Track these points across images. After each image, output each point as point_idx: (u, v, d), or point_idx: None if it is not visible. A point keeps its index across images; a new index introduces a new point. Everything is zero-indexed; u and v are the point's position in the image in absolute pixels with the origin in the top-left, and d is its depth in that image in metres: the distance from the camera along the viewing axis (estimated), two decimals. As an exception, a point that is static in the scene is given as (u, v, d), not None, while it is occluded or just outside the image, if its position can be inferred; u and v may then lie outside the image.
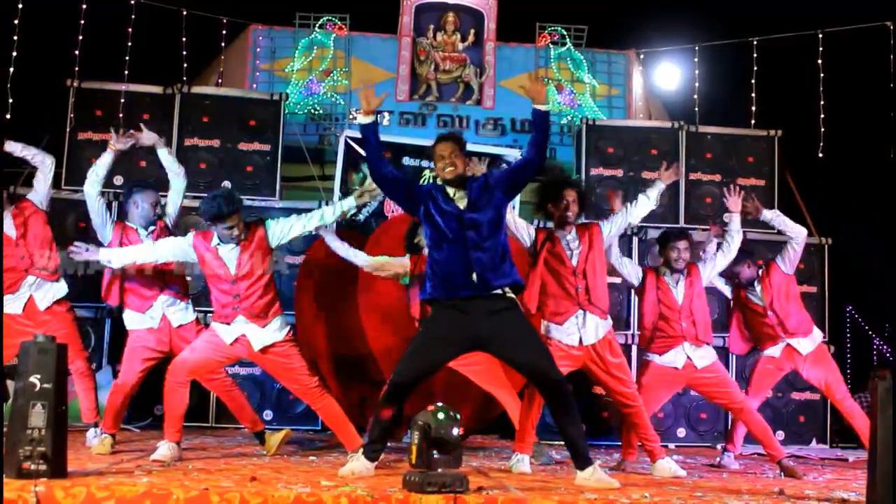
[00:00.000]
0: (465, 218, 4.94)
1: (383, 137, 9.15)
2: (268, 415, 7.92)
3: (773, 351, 6.76)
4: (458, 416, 4.37)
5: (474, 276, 4.88)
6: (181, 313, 6.18)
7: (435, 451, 4.25)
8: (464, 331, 4.92)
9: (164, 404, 5.80)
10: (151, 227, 6.18)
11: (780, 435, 8.09)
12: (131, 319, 6.14)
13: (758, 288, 6.81)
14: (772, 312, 6.73)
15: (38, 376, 4.25)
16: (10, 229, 6.19)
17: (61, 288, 6.32)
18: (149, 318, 6.09)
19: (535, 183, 5.88)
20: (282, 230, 5.64)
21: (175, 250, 5.70)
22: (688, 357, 6.20)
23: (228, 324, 5.58)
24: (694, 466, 6.43)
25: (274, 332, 5.62)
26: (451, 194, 5.05)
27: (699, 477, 5.78)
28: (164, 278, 6.11)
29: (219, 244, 5.57)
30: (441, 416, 4.34)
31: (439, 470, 4.22)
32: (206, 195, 5.65)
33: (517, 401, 6.34)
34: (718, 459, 6.68)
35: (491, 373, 6.25)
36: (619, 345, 6.00)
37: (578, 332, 5.73)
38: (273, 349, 5.63)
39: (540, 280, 5.79)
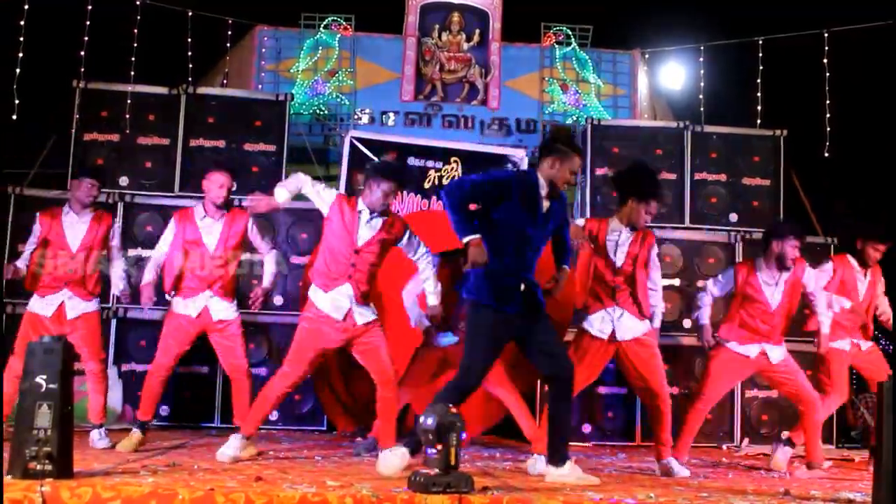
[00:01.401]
0: (531, 234, 4.99)
1: (388, 137, 9.23)
2: (273, 415, 7.91)
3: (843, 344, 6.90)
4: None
5: (524, 291, 4.99)
6: (224, 311, 6.29)
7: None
8: (509, 330, 5.04)
9: (259, 402, 5.81)
10: (223, 212, 6.32)
11: (786, 434, 8.07)
12: (175, 303, 6.30)
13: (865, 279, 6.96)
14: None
15: (44, 377, 4.27)
16: (77, 235, 6.39)
17: (92, 305, 6.44)
18: (191, 305, 6.23)
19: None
20: (410, 246, 5.80)
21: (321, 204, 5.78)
22: (762, 350, 6.30)
23: (328, 291, 5.63)
24: (699, 466, 6.42)
25: (371, 313, 5.73)
26: (544, 194, 5.03)
27: (704, 477, 5.78)
28: (212, 279, 6.24)
29: (361, 212, 5.68)
30: (453, 410, 4.39)
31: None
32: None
33: (522, 403, 6.37)
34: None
35: (496, 375, 6.27)
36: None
37: (612, 325, 5.82)
38: (368, 330, 5.69)
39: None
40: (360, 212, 5.68)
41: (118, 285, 6.55)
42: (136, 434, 6.16)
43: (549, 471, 5.02)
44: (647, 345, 5.87)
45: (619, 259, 5.85)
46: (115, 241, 6.56)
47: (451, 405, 4.64)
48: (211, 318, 6.24)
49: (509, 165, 8.92)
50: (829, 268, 6.98)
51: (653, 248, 6.00)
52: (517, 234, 4.95)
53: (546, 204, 5.04)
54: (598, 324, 5.83)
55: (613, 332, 5.82)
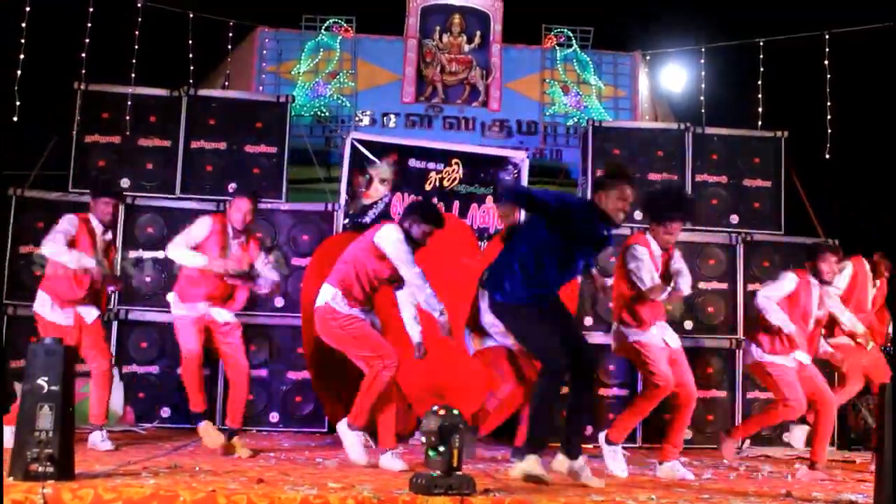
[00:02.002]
0: (589, 262, 5.35)
1: (388, 139, 9.25)
2: (274, 416, 7.93)
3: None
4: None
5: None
6: (226, 315, 6.39)
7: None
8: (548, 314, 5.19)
9: (367, 396, 5.87)
10: (241, 238, 6.38)
11: (788, 437, 8.09)
12: (177, 307, 6.34)
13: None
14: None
15: (46, 378, 4.27)
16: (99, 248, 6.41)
17: (98, 310, 6.48)
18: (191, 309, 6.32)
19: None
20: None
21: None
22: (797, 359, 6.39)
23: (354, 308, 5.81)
24: (700, 468, 6.41)
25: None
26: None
27: (706, 479, 5.77)
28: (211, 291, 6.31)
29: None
30: (454, 411, 4.39)
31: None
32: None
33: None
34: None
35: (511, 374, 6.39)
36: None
37: (662, 336, 5.98)
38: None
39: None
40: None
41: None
42: (208, 428, 6.24)
43: (558, 458, 5.15)
44: (682, 352, 6.05)
45: (657, 278, 5.93)
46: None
47: (553, 396, 4.98)
48: (215, 319, 6.34)
49: (510, 167, 8.92)
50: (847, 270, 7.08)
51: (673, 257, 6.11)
52: (568, 256, 5.13)
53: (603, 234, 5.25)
54: (659, 334, 5.96)
55: (665, 341, 5.98)
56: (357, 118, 10.36)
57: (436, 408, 4.40)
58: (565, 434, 5.17)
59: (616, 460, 5.83)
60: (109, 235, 6.56)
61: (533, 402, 5.15)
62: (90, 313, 6.38)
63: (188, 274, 6.29)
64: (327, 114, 10.38)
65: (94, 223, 6.39)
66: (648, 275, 5.81)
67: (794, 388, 6.31)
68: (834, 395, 6.66)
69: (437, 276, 6.66)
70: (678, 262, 6.04)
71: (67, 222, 6.30)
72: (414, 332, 5.95)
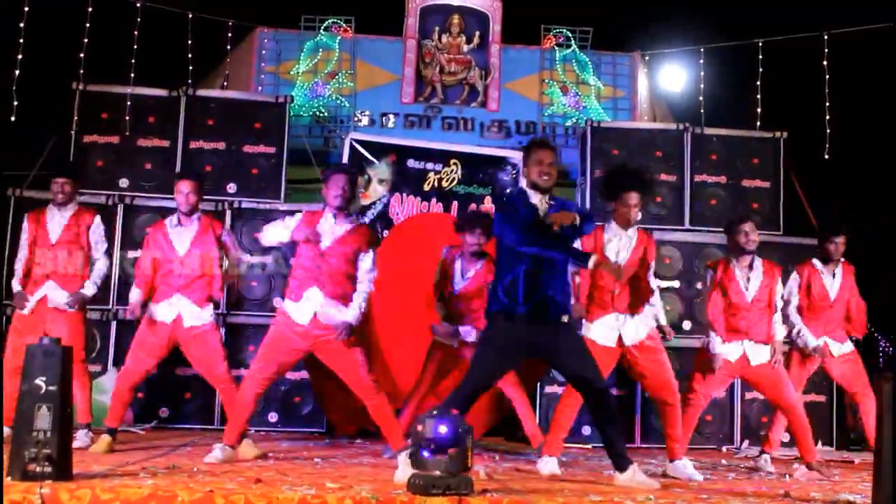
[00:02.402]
0: (546, 225, 5.00)
1: (387, 139, 9.24)
2: (273, 417, 7.92)
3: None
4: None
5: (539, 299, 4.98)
6: (197, 315, 6.14)
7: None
8: (522, 341, 5.04)
9: (229, 410, 5.95)
10: (196, 216, 6.25)
11: (787, 437, 8.07)
12: (150, 310, 6.21)
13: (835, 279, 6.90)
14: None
15: (44, 378, 4.26)
16: (56, 230, 6.49)
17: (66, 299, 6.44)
18: (163, 312, 6.12)
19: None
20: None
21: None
22: (744, 351, 6.16)
23: (298, 299, 5.71)
24: (698, 469, 6.40)
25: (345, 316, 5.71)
26: (536, 201, 5.10)
27: (704, 479, 5.77)
28: (183, 283, 6.14)
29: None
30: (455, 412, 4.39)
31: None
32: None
33: (528, 402, 6.45)
34: (755, 462, 6.68)
35: (509, 375, 6.31)
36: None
37: (618, 331, 5.78)
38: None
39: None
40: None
41: (88, 286, 6.54)
42: (105, 437, 6.04)
43: (616, 476, 5.10)
44: (653, 347, 5.85)
45: (621, 263, 5.80)
46: (95, 240, 6.61)
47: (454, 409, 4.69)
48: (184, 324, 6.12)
49: (509, 167, 8.92)
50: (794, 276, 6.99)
51: (653, 247, 6.02)
52: (536, 225, 5.01)
53: (543, 208, 5.08)
54: (604, 331, 5.79)
55: (620, 338, 5.79)
56: (356, 118, 10.35)
57: (435, 411, 4.40)
58: (608, 454, 5.17)
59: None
60: (70, 210, 6.55)
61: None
62: (57, 298, 6.38)
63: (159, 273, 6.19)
64: (326, 114, 10.37)
65: (50, 212, 6.52)
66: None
67: (704, 384, 6.19)
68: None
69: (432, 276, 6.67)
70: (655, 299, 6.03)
71: (22, 234, 6.57)
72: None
